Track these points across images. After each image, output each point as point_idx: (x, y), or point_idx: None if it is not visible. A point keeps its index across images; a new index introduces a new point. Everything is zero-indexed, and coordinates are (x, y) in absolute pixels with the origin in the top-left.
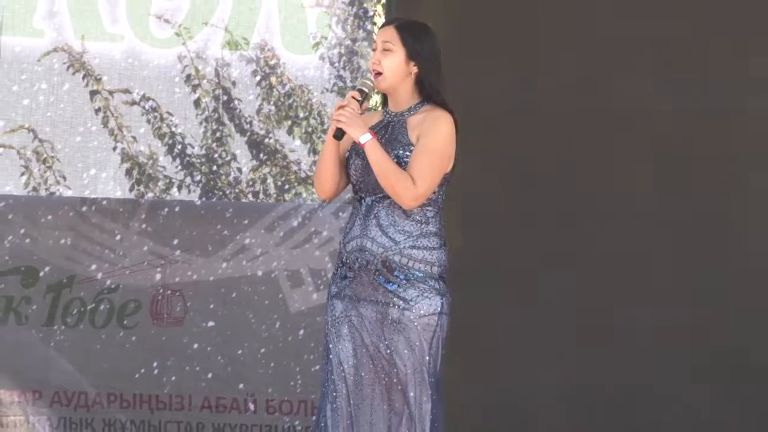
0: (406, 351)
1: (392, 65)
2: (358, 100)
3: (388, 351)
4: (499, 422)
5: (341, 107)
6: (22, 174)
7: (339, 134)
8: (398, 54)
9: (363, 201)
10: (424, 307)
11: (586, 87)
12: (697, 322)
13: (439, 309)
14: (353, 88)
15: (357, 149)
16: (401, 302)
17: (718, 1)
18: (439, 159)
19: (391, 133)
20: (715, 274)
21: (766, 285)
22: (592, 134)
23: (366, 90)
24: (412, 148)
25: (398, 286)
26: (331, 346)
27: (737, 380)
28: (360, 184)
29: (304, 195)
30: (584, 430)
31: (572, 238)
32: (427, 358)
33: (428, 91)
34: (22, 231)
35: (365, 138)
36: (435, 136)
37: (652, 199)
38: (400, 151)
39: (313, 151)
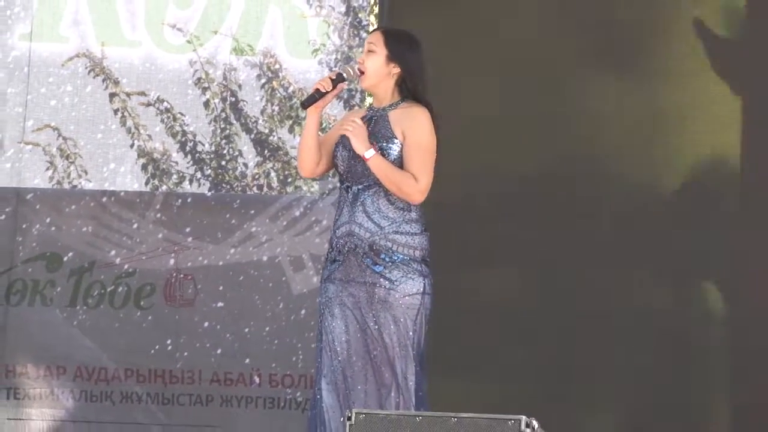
0: (392, 327)
1: (374, 65)
2: (332, 79)
3: (377, 327)
4: (481, 397)
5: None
6: (48, 168)
7: (306, 102)
8: (380, 55)
9: (350, 189)
10: (408, 287)
11: (561, 89)
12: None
13: (422, 289)
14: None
15: (344, 142)
16: (387, 283)
17: None
18: (430, 152)
19: (374, 127)
20: (693, 268)
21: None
22: (572, 136)
23: (344, 75)
24: (395, 140)
25: (384, 267)
26: (325, 324)
27: (696, 358)
28: (346, 174)
29: (304, 188)
30: (564, 405)
31: (548, 231)
32: (411, 333)
33: (408, 90)
34: (48, 220)
35: (369, 153)
36: (420, 132)
37: (635, 194)
38: (384, 144)
39: None
